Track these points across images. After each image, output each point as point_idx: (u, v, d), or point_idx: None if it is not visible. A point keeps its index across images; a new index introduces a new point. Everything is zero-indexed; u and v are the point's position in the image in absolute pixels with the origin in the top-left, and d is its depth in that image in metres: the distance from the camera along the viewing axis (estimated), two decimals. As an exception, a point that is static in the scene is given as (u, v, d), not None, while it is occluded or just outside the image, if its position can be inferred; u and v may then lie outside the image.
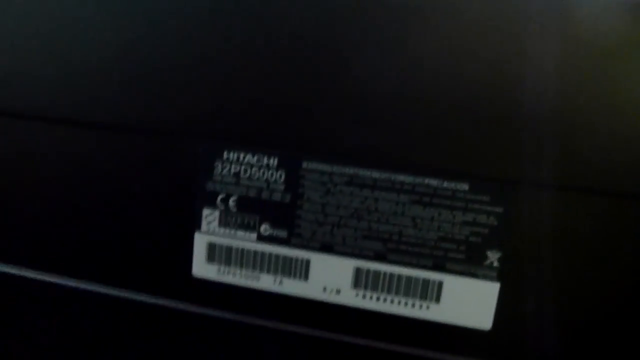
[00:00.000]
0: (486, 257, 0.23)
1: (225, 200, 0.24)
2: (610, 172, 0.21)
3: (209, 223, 0.24)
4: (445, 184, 0.22)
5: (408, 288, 0.23)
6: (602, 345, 0.23)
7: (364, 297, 0.24)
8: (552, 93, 0.20)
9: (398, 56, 0.21)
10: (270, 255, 0.24)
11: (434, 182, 0.22)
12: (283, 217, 0.23)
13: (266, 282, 0.24)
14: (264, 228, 0.24)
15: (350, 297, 0.24)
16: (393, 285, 0.23)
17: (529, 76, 0.20)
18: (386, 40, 0.21)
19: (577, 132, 0.21)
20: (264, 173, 0.23)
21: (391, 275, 0.23)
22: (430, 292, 0.23)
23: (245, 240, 0.24)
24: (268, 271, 0.24)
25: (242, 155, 0.23)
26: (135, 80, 0.23)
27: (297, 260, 0.24)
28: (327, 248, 0.24)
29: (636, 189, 0.21)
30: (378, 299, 0.24)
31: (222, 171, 0.23)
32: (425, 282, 0.23)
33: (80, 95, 0.24)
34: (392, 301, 0.23)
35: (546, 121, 0.21)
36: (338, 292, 0.24)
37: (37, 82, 0.24)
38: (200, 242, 0.24)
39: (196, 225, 0.24)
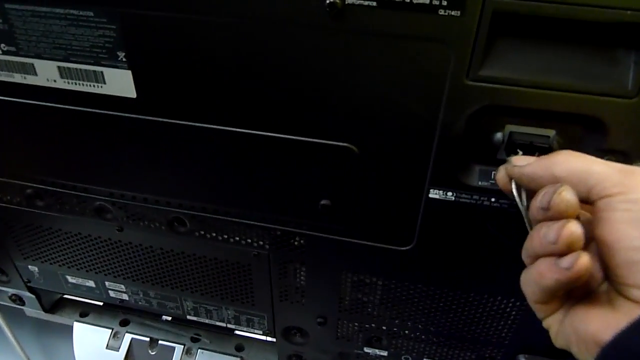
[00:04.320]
0: (118, 56, 0.39)
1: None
2: None
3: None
4: (82, 13, 0.38)
5: (86, 76, 0.41)
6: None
7: (67, 83, 0.42)
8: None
9: None
10: (10, 62, 0.41)
11: (77, 12, 0.38)
12: (13, 40, 0.40)
13: (18, 78, 0.42)
14: (3, 46, 0.41)
15: (60, 84, 0.42)
16: (77, 74, 0.41)
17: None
18: None
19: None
20: (-11, 12, 0.39)
21: (76, 69, 0.41)
22: (99, 77, 0.41)
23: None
24: (15, 71, 0.42)
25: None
26: None
27: (26, 63, 0.41)
28: (39, 57, 0.41)
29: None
30: (77, 84, 0.41)
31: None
32: (94, 72, 0.40)
33: None
34: (76, 84, 0.41)
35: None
36: (55, 81, 0.42)
37: None
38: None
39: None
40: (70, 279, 0.62)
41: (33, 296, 0.67)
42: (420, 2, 0.31)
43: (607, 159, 0.37)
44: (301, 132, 0.39)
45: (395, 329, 0.53)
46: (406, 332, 0.53)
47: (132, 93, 0.41)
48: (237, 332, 0.66)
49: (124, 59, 0.39)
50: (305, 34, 0.34)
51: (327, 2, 0.32)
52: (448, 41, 0.33)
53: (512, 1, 0.31)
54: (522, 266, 0.47)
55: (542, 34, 0.33)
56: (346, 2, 0.32)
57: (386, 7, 0.32)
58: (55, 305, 0.71)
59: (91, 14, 0.37)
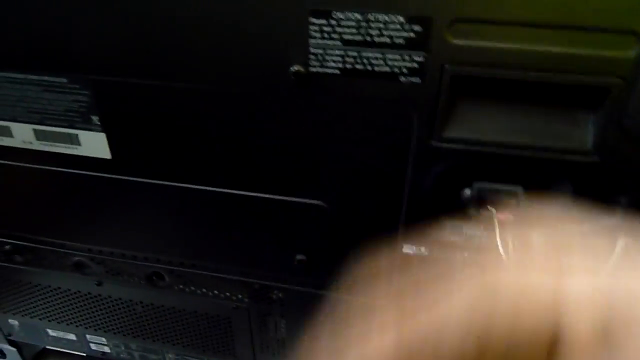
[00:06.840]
0: (92, 120, 0.40)
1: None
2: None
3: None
4: (55, 80, 0.38)
5: (61, 138, 0.41)
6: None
7: (43, 144, 0.42)
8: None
9: None
10: (-15, 125, 0.42)
11: (51, 79, 0.38)
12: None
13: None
14: (-22, 110, 0.41)
15: (36, 145, 0.42)
16: (52, 136, 0.41)
17: None
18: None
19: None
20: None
21: (51, 132, 0.41)
22: (73, 139, 0.41)
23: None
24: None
25: None
26: None
27: (2, 126, 0.42)
28: (14, 120, 0.41)
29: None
30: (52, 146, 0.42)
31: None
32: (69, 135, 0.41)
33: None
34: (52, 146, 0.42)
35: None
36: (31, 142, 0.42)
37: None
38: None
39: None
40: (50, 332, 0.61)
41: (14, 349, 0.66)
42: (382, 70, 0.32)
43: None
44: (273, 191, 0.40)
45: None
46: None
47: (106, 154, 0.41)
48: (221, 381, 0.65)
49: (97, 123, 0.40)
50: (273, 99, 0.35)
51: (292, 70, 0.33)
52: (411, 106, 0.33)
53: (469, 68, 0.32)
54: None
55: (502, 96, 0.34)
56: (310, 70, 0.33)
57: (349, 75, 0.33)
58: (37, 356, 0.70)
59: (65, 80, 0.38)
